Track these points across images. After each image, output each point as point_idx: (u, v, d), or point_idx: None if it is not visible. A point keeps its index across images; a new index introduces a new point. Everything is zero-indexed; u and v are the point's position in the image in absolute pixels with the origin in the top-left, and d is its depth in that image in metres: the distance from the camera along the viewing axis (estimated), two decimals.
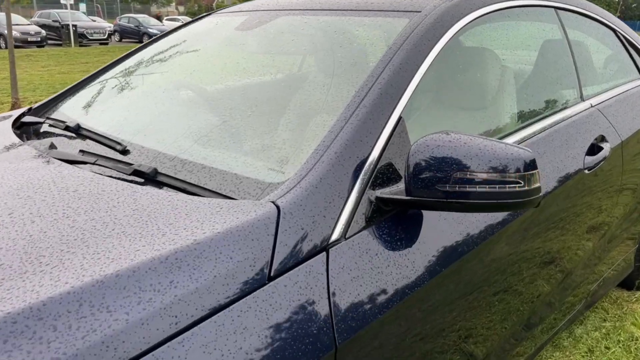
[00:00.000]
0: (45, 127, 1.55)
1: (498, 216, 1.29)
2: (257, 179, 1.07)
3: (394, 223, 1.08)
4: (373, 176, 1.07)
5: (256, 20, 1.77)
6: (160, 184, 1.10)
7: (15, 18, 21.55)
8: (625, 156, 1.87)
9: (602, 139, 1.77)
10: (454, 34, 1.39)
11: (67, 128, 1.45)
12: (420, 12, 1.40)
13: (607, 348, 2.04)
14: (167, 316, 0.75)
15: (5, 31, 21.21)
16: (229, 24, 1.89)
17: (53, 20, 21.49)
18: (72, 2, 19.97)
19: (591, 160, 1.66)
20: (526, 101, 1.72)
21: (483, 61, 1.67)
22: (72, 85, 1.90)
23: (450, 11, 1.41)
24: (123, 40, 25.86)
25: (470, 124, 1.55)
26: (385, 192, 1.06)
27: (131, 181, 1.11)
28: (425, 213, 1.14)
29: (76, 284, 0.75)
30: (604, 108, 1.88)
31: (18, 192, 1.06)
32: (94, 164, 1.21)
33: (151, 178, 1.11)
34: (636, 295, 2.40)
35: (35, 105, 1.84)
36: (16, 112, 1.83)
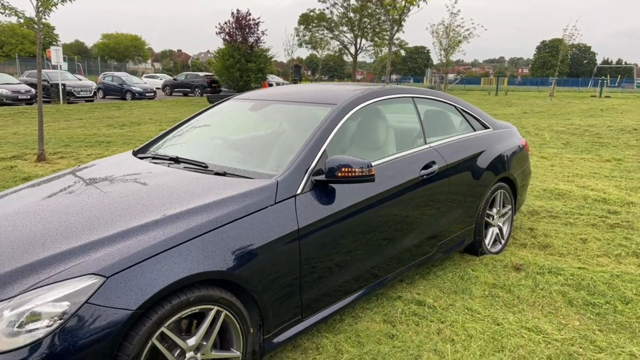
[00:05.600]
0: (151, 159, 3.19)
1: (375, 189, 2.96)
2: (267, 173, 2.72)
3: (322, 190, 2.74)
4: (313, 171, 2.73)
5: (259, 105, 3.50)
6: (225, 175, 2.74)
7: (6, 77, 22.78)
8: (450, 172, 3.59)
9: (433, 162, 3.49)
10: (353, 113, 3.11)
11: (171, 159, 3.09)
12: (336, 104, 3.13)
13: (450, 280, 3.70)
14: (229, 214, 2.38)
15: (4, 90, 22.03)
16: (243, 106, 3.62)
17: (42, 80, 22.97)
18: (62, 63, 21.50)
19: (424, 172, 3.37)
20: (396, 143, 3.44)
21: (376, 123, 3.41)
22: (154, 138, 3.57)
23: (350, 104, 3.14)
24: (107, 97, 27.23)
25: (366, 154, 3.25)
26: (317, 177, 2.73)
27: (210, 175, 2.75)
28: (336, 186, 2.80)
29: (197, 205, 2.38)
30: (439, 147, 3.62)
31: (165, 182, 2.69)
32: (194, 171, 2.85)
33: (221, 174, 2.76)
34: (479, 258, 4.08)
35: (135, 149, 3.49)
36: (125, 154, 3.48)
